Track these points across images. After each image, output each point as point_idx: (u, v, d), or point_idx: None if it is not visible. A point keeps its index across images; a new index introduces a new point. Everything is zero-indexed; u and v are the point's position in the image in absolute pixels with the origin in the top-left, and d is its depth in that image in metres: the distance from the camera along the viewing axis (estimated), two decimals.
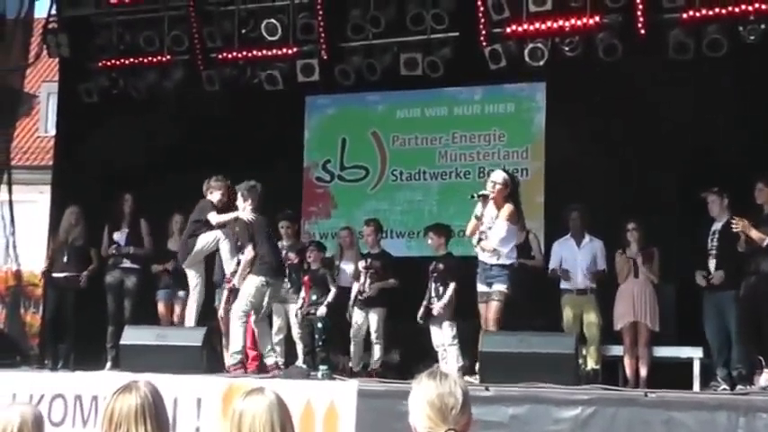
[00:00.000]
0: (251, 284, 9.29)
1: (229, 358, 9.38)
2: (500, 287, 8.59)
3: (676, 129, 10.47)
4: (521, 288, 8.80)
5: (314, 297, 10.39)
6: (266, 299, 9.44)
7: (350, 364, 10.17)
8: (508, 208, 8.77)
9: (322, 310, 10.24)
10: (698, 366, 9.19)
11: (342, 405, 7.60)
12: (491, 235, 8.75)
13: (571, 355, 7.89)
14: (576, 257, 9.92)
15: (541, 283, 10.04)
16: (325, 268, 10.56)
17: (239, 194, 9.60)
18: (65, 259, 11.10)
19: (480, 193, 8.93)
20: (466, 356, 9.54)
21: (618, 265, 9.81)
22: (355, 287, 10.35)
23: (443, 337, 9.67)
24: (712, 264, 9.07)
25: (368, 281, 10.22)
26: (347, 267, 10.71)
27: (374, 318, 10.22)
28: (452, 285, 9.73)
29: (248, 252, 9.33)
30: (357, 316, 10.28)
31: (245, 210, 9.48)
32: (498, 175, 9.01)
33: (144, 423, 3.28)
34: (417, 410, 3.15)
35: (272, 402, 3.25)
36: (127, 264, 11.10)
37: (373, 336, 10.20)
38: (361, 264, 10.35)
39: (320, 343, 10.22)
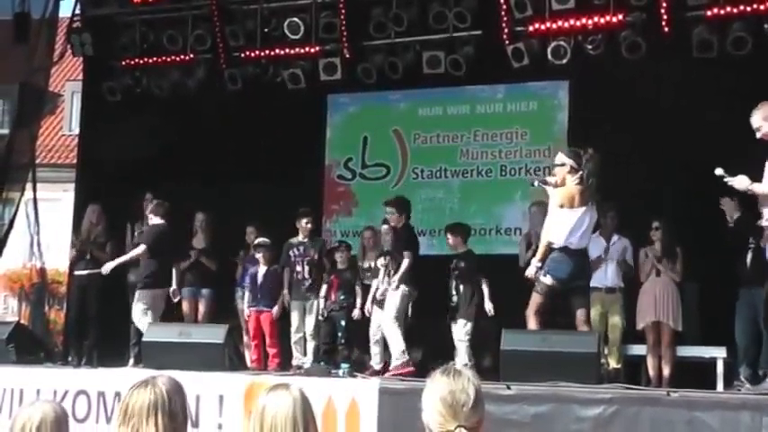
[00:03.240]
0: (401, 294, 9.58)
1: (395, 360, 9.48)
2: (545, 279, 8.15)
3: (701, 127, 10.40)
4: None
5: (341, 297, 10.40)
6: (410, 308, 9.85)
7: (371, 362, 10.16)
8: (561, 190, 8.16)
9: (356, 313, 10.28)
10: (721, 366, 9.12)
11: (363, 403, 7.59)
12: (545, 226, 8.24)
13: (593, 354, 7.84)
14: (606, 255, 9.88)
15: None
16: (352, 269, 10.56)
17: None
18: (87, 257, 11.18)
19: (539, 180, 8.66)
20: (488, 355, 9.53)
21: (641, 263, 9.78)
22: (374, 285, 10.30)
23: (456, 333, 9.65)
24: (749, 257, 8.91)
25: (386, 278, 10.18)
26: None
27: None
28: (485, 283, 9.74)
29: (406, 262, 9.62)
30: (375, 314, 10.26)
31: None
32: (556, 158, 8.48)
33: (155, 418, 3.28)
34: (429, 407, 3.17)
35: (296, 399, 3.26)
36: None
37: None
38: (380, 261, 10.31)
39: (342, 341, 10.24)
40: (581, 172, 8.06)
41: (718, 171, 7.19)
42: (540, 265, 8.15)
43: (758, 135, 7.13)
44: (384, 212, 10.15)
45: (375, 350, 10.11)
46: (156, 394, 3.32)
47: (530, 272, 8.21)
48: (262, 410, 3.25)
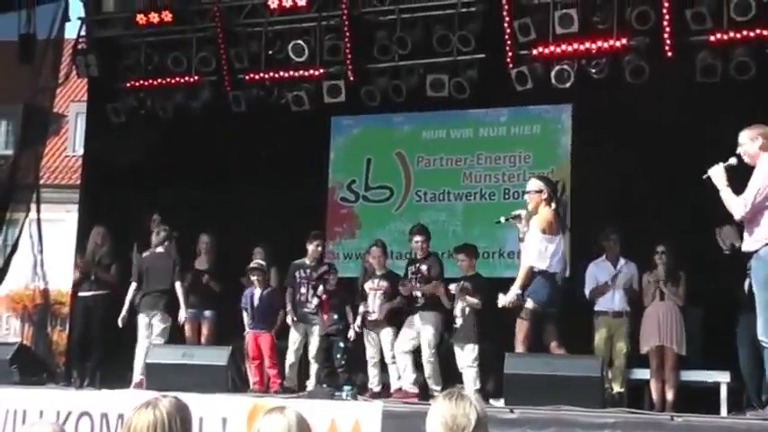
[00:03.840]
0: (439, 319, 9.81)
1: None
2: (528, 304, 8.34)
3: (705, 151, 10.38)
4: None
5: (335, 317, 10.39)
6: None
7: (369, 385, 10.14)
8: (540, 216, 8.42)
9: (351, 334, 10.28)
10: (725, 391, 9.09)
11: (366, 425, 7.58)
12: (524, 252, 8.47)
13: (597, 379, 7.84)
14: (614, 281, 9.87)
15: (567, 304, 10.00)
16: (342, 291, 10.54)
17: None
18: (92, 278, 11.19)
19: (509, 216, 8.78)
20: (491, 378, 9.51)
21: (644, 287, 9.77)
22: (361, 308, 10.32)
23: (463, 359, 9.64)
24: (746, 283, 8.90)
25: (377, 301, 10.19)
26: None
27: (385, 338, 10.18)
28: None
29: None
30: (367, 337, 10.26)
31: None
32: (530, 184, 8.74)
33: None
34: (431, 430, 3.17)
35: (291, 422, 3.26)
36: None
37: (387, 356, 10.12)
38: (368, 285, 10.32)
39: (342, 363, 10.22)
40: (554, 201, 8.40)
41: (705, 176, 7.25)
42: (520, 292, 8.32)
43: (738, 150, 7.18)
44: (411, 240, 10.33)
45: (373, 372, 10.11)
46: (156, 416, 3.35)
47: (509, 298, 8.34)
48: None
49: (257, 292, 10.76)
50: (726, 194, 7.07)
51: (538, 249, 8.33)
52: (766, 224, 6.93)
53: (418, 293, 10.00)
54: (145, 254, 11.10)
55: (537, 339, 8.38)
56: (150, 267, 10.90)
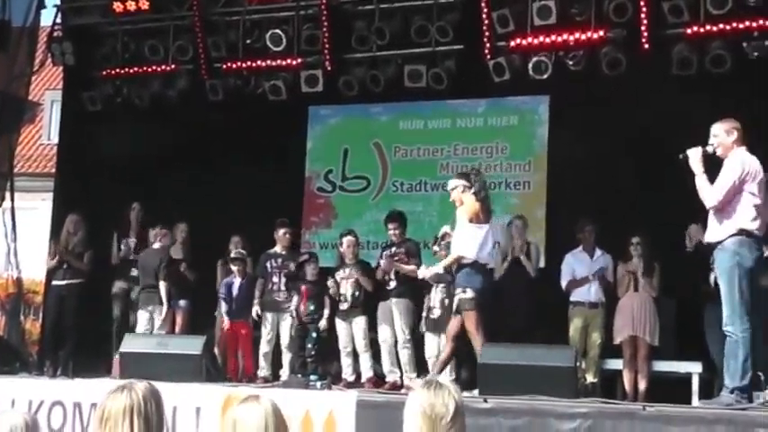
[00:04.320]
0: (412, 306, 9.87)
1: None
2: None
3: (679, 144, 10.44)
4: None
5: (311, 308, 10.36)
6: None
7: (343, 375, 10.14)
8: (465, 207, 8.53)
9: (323, 324, 10.24)
10: (697, 381, 9.17)
11: (341, 415, 7.57)
12: (454, 241, 8.62)
13: (570, 369, 7.87)
14: (590, 270, 9.91)
15: (542, 295, 10.05)
16: (321, 281, 10.54)
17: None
18: (65, 266, 11.13)
19: (438, 236, 9.23)
20: (465, 369, 9.53)
21: (619, 279, 9.82)
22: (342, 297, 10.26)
23: (438, 348, 9.65)
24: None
25: (349, 290, 10.17)
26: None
27: (357, 327, 10.14)
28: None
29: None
30: (340, 326, 10.24)
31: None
32: (448, 184, 8.94)
33: (131, 422, 3.30)
34: (409, 419, 3.17)
35: (267, 411, 3.24)
36: (134, 273, 11.15)
37: (360, 345, 10.06)
38: (339, 274, 10.26)
39: (312, 353, 10.20)
40: (473, 188, 8.49)
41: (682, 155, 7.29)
42: (442, 271, 8.80)
43: (712, 142, 7.21)
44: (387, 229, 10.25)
45: (347, 362, 10.10)
46: (132, 399, 3.34)
47: (429, 273, 8.92)
48: (233, 423, 3.25)
49: (237, 281, 10.74)
50: (702, 181, 7.10)
51: (466, 238, 8.44)
52: (736, 216, 6.99)
53: (392, 275, 9.93)
54: (142, 252, 11.17)
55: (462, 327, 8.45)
56: (144, 264, 10.96)
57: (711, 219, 7.15)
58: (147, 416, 3.33)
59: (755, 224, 7.01)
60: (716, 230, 7.11)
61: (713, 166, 7.18)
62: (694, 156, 7.18)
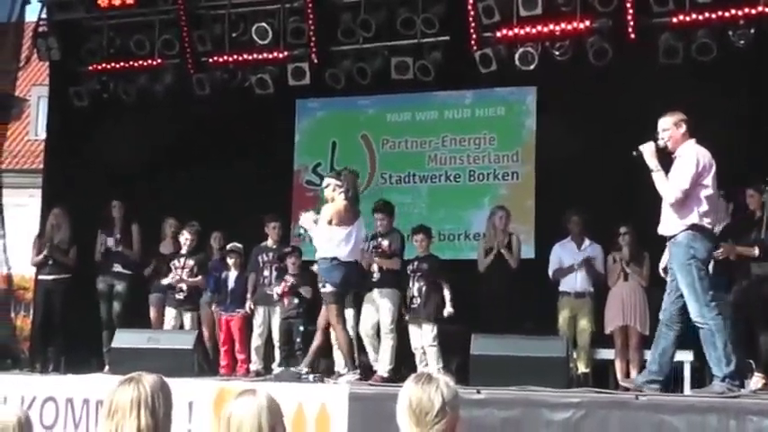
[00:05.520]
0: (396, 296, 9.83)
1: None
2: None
3: None
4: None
5: (295, 301, 10.34)
6: None
7: (335, 368, 10.13)
8: (329, 207, 8.78)
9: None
10: (688, 369, 9.21)
11: (333, 408, 7.59)
12: (314, 240, 8.90)
13: (562, 359, 7.91)
14: (577, 260, 9.93)
15: (531, 285, 10.06)
16: (303, 274, 10.51)
17: None
18: (50, 261, 11.09)
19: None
20: (453, 360, 9.54)
21: (609, 268, 9.85)
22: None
23: (424, 338, 9.66)
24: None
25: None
26: None
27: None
28: (446, 287, 9.74)
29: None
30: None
31: None
32: (323, 183, 9.22)
33: (138, 414, 3.31)
34: (399, 413, 3.20)
35: (262, 405, 3.25)
36: (118, 268, 11.11)
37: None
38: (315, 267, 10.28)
39: (300, 346, 10.19)
40: (343, 187, 8.73)
41: (635, 152, 7.30)
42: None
43: (662, 136, 7.24)
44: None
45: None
46: (139, 391, 3.35)
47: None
48: (228, 417, 3.25)
49: (232, 274, 10.74)
50: (659, 176, 7.15)
51: (321, 241, 8.73)
52: (690, 210, 7.03)
53: (375, 267, 9.94)
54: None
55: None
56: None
57: (666, 211, 7.20)
58: (154, 409, 3.34)
59: (707, 219, 7.11)
60: (669, 224, 7.17)
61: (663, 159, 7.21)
62: (648, 151, 7.21)
